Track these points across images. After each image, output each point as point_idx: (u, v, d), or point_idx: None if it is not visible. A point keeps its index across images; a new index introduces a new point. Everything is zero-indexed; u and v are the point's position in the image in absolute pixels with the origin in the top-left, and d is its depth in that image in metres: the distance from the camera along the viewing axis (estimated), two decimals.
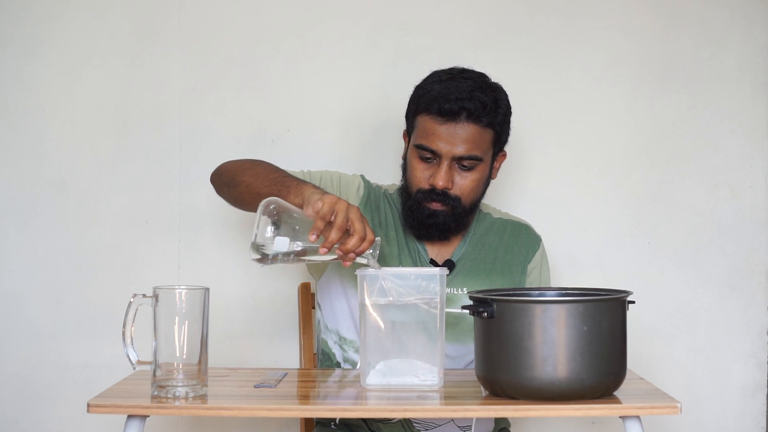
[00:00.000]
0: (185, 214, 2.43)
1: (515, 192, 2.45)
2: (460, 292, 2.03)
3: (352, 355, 2.04)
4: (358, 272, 1.68)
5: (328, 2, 2.45)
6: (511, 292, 1.76)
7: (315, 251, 1.70)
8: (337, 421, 2.04)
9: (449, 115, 1.96)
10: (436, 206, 2.00)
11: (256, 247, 1.71)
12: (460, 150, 1.97)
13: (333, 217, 1.68)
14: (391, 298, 1.67)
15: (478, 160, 1.99)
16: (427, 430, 1.98)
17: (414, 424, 1.98)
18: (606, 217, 2.48)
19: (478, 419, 1.98)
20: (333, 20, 2.45)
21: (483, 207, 2.17)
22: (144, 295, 1.60)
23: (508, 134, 2.07)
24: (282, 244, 1.70)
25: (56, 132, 2.42)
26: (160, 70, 2.43)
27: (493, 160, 2.06)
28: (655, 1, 2.47)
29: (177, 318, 1.59)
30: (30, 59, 2.42)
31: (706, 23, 2.48)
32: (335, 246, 1.68)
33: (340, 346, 2.06)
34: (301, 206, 1.76)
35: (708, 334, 2.48)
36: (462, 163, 1.99)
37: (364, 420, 2.01)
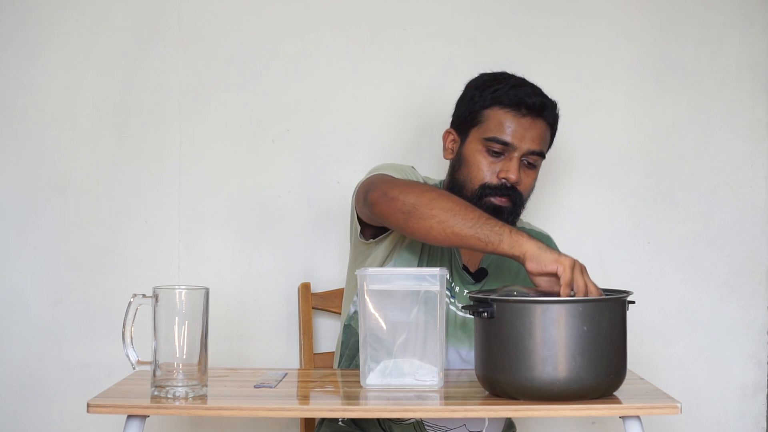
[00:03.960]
0: (185, 214, 2.43)
1: None
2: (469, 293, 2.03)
3: None
4: (358, 272, 1.68)
5: (328, 2, 2.45)
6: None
7: None
8: (344, 419, 2.04)
9: (529, 108, 1.98)
10: (502, 201, 1.98)
11: None
12: (533, 145, 1.99)
13: (572, 274, 1.67)
14: (391, 298, 1.67)
15: (543, 157, 2.03)
16: None
17: (426, 427, 1.98)
18: (606, 217, 2.48)
19: (489, 422, 1.99)
20: (333, 20, 2.45)
21: None
22: (144, 295, 1.60)
23: (553, 141, 2.11)
24: None
25: (56, 132, 2.42)
26: (160, 70, 2.43)
27: None
28: (655, 2, 2.47)
29: (177, 318, 1.59)
30: (30, 59, 2.42)
31: (706, 23, 2.48)
32: None
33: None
34: (514, 257, 1.71)
35: (708, 334, 2.48)
36: (529, 159, 2.00)
37: (378, 420, 2.01)
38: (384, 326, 1.67)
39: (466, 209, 1.78)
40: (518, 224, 2.16)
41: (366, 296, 1.67)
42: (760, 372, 2.48)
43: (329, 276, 2.40)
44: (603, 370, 1.57)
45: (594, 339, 1.56)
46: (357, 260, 2.08)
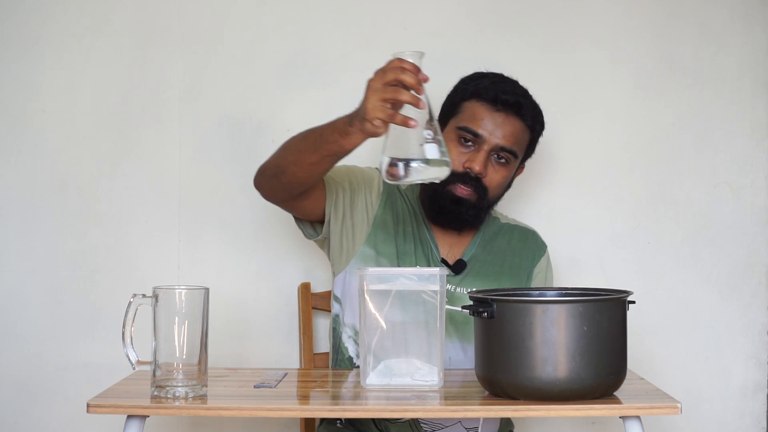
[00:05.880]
0: (185, 214, 2.43)
1: (515, 192, 2.45)
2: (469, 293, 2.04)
3: None
4: (358, 272, 1.68)
5: (328, 2, 2.45)
6: (511, 293, 1.76)
7: (423, 117, 1.62)
8: (343, 420, 2.04)
9: (503, 104, 2.01)
10: (464, 191, 2.01)
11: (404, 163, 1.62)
12: (503, 141, 2.02)
13: (387, 103, 1.61)
14: (391, 298, 1.67)
15: (514, 156, 2.05)
16: (434, 430, 1.98)
17: (422, 425, 1.98)
18: (606, 217, 2.48)
19: (485, 420, 1.99)
20: (333, 20, 2.45)
21: (492, 212, 2.19)
22: (144, 295, 1.60)
23: (534, 148, 2.13)
24: (430, 149, 1.61)
25: (56, 132, 2.42)
26: (160, 70, 2.43)
27: (518, 166, 2.11)
28: (655, 2, 2.47)
29: (177, 318, 1.59)
30: (30, 59, 2.42)
31: (706, 23, 2.48)
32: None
33: (355, 341, 2.06)
34: (359, 137, 1.70)
35: (708, 334, 2.48)
36: (499, 154, 2.03)
37: (372, 419, 2.02)
38: (384, 326, 1.67)
39: (306, 139, 1.83)
40: (503, 221, 2.19)
41: (366, 296, 1.67)
42: (760, 372, 2.48)
43: (329, 276, 2.39)
44: (603, 370, 1.57)
45: (594, 339, 1.56)
46: (332, 265, 2.13)
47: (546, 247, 2.19)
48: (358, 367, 1.95)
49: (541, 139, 2.46)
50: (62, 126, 2.42)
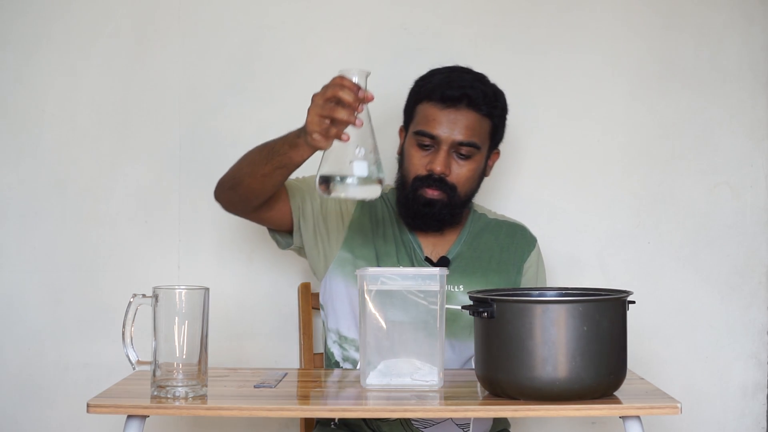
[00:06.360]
0: (185, 214, 2.43)
1: (516, 192, 2.46)
2: (456, 290, 2.04)
3: (353, 354, 2.04)
4: (358, 272, 1.68)
5: (328, 2, 2.45)
6: (511, 292, 1.76)
7: (362, 135, 1.66)
8: (336, 420, 2.04)
9: (451, 100, 2.01)
10: (432, 193, 2.02)
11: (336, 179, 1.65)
12: (459, 136, 2.01)
13: (324, 119, 1.66)
14: (391, 298, 1.67)
15: (476, 148, 2.03)
16: (425, 428, 1.98)
17: (413, 423, 1.99)
18: (606, 217, 2.48)
19: (476, 417, 1.99)
20: (333, 20, 2.45)
21: (478, 208, 2.20)
22: (144, 295, 1.60)
23: (503, 132, 2.12)
24: (359, 166, 1.65)
25: (56, 132, 2.42)
26: (160, 70, 2.43)
27: (488, 155, 2.09)
28: (655, 2, 2.47)
29: (177, 318, 1.59)
30: (30, 59, 2.42)
31: (706, 23, 2.48)
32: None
33: (340, 345, 2.06)
34: (307, 150, 1.76)
35: (708, 334, 2.48)
36: (460, 150, 2.02)
37: (364, 419, 2.02)
38: (384, 326, 1.67)
39: (260, 151, 1.88)
40: (491, 216, 2.19)
41: (366, 296, 1.67)
42: (760, 372, 2.48)
43: None
44: (603, 370, 1.57)
45: (594, 339, 1.56)
46: (315, 274, 2.14)
47: (535, 240, 2.17)
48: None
49: (541, 139, 2.47)
50: (62, 126, 2.42)
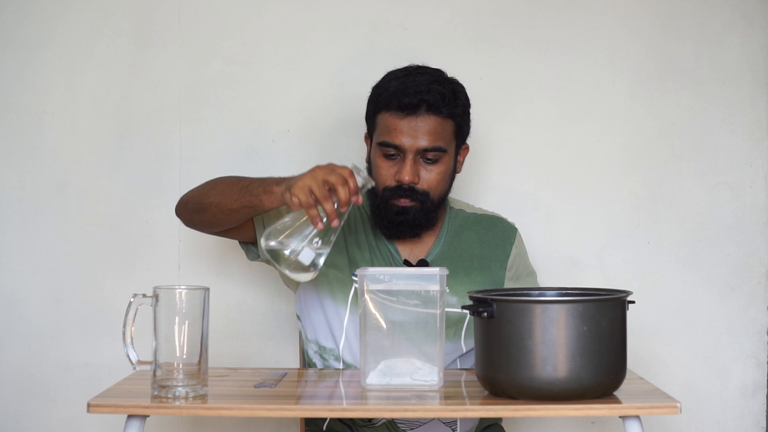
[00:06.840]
0: None
1: (516, 192, 2.45)
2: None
3: (333, 363, 2.03)
4: (359, 272, 1.68)
5: (328, 2, 2.45)
6: (511, 293, 1.76)
7: (329, 230, 1.75)
8: (324, 427, 2.04)
9: (409, 108, 1.98)
10: (404, 202, 2.00)
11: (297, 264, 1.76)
12: (423, 142, 1.98)
13: (313, 195, 1.71)
14: (391, 298, 1.67)
15: (442, 151, 2.00)
16: (412, 429, 1.98)
17: (398, 424, 1.98)
18: (606, 217, 2.48)
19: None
20: (333, 20, 2.45)
21: (455, 203, 2.17)
22: (144, 295, 1.60)
23: (469, 127, 2.09)
24: (307, 254, 1.75)
25: (56, 132, 2.42)
26: (160, 70, 2.43)
27: (457, 153, 2.07)
28: (655, 2, 2.47)
29: (177, 318, 1.59)
30: (30, 59, 2.42)
31: (706, 23, 2.48)
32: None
33: (321, 356, 2.05)
34: (279, 206, 1.82)
35: (708, 334, 2.48)
36: (426, 156, 2.00)
37: (349, 426, 2.01)
38: (384, 326, 1.67)
39: (233, 185, 1.90)
40: (468, 211, 2.16)
41: (366, 296, 1.67)
42: (760, 372, 2.48)
43: None
44: (603, 370, 1.57)
45: (594, 339, 1.56)
46: (288, 286, 2.16)
47: (515, 229, 2.15)
48: None
49: (541, 139, 2.47)
50: (62, 126, 2.42)
